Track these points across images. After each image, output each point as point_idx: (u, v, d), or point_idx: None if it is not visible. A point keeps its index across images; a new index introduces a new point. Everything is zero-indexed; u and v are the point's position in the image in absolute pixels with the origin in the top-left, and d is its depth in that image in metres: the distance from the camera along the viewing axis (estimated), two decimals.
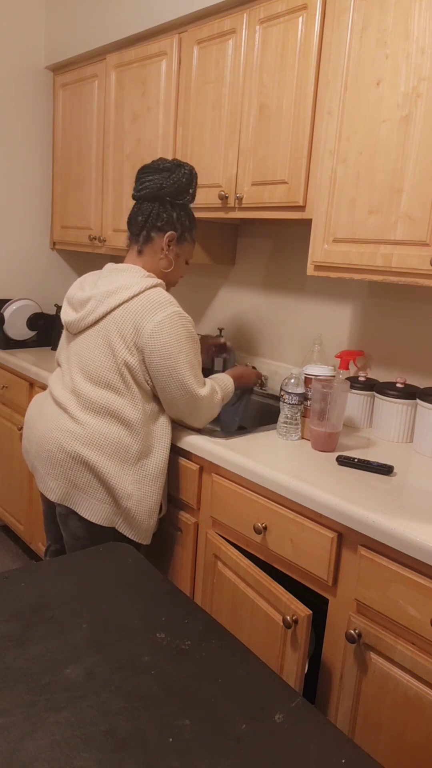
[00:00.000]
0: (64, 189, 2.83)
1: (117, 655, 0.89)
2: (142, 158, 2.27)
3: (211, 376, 1.73)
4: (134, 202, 1.71)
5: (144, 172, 1.66)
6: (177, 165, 1.64)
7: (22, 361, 2.50)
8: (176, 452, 1.72)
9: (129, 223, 1.70)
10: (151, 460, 1.59)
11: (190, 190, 1.66)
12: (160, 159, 1.67)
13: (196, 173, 1.68)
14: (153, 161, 1.67)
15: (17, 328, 2.74)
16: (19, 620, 0.95)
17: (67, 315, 1.68)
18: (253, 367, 2.14)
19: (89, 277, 1.71)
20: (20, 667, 0.85)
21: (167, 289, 1.74)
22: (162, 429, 1.62)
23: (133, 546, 1.62)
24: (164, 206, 1.65)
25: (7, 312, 2.71)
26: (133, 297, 1.54)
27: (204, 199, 2.02)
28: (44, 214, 2.99)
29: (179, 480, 1.71)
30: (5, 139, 2.80)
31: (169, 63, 2.12)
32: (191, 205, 1.73)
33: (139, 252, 1.67)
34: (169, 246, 1.66)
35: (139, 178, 1.67)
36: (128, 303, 1.54)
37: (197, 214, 2.09)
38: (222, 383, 1.72)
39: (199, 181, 2.04)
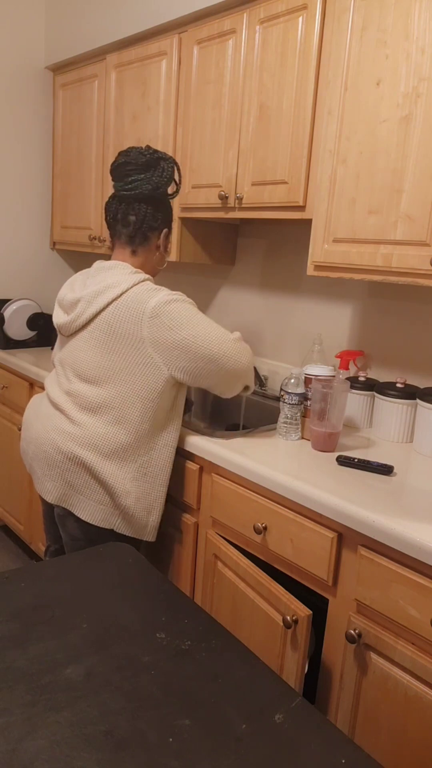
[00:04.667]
0: (64, 189, 2.83)
1: (117, 655, 0.89)
2: None
3: None
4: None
5: (127, 168, 1.58)
6: (159, 158, 1.59)
7: (22, 361, 2.50)
8: (176, 452, 1.72)
9: (116, 221, 1.64)
10: (154, 457, 1.58)
11: (177, 181, 1.65)
12: (137, 151, 1.60)
13: (177, 163, 1.65)
14: (129, 154, 1.58)
15: (17, 328, 2.74)
16: (19, 620, 0.95)
17: (58, 317, 1.66)
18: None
19: (79, 276, 1.69)
20: (20, 667, 0.85)
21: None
22: (169, 428, 1.60)
23: (133, 545, 1.61)
24: (158, 205, 1.63)
25: (7, 312, 2.71)
26: (121, 294, 1.53)
27: (204, 199, 2.02)
28: (44, 214, 2.99)
29: (179, 480, 1.71)
30: (5, 139, 2.80)
31: (169, 63, 2.12)
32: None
33: (134, 252, 1.64)
34: (163, 243, 1.67)
35: (124, 175, 1.59)
36: (118, 301, 1.52)
37: (197, 215, 2.09)
38: None
39: (199, 181, 2.04)
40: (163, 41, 2.13)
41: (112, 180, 1.63)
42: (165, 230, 1.66)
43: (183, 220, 2.17)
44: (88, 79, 2.57)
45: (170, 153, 2.15)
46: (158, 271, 1.72)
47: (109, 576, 1.11)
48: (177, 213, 2.16)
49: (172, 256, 2.21)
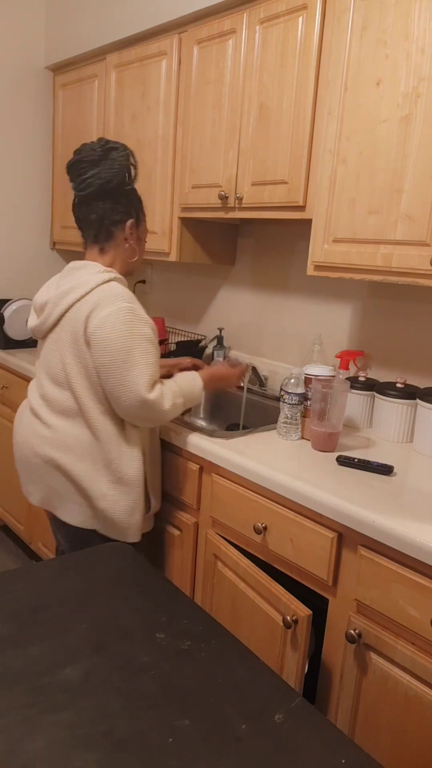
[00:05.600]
0: (64, 189, 2.83)
1: (116, 656, 0.88)
2: (142, 158, 2.27)
3: (177, 375, 1.64)
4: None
5: (79, 166, 1.56)
6: (110, 149, 1.56)
7: (22, 361, 2.50)
8: (176, 452, 1.72)
9: (81, 222, 1.63)
10: (125, 461, 1.55)
11: (132, 170, 1.59)
12: (89, 147, 1.56)
13: (130, 149, 1.59)
14: (81, 151, 1.56)
15: (17, 328, 2.74)
16: (18, 620, 0.95)
17: (31, 320, 1.65)
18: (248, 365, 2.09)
19: (54, 278, 1.67)
20: (19, 668, 0.85)
21: (132, 273, 1.67)
22: (134, 429, 1.57)
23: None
24: (116, 197, 1.58)
25: (7, 312, 2.71)
26: (85, 295, 1.50)
27: (204, 199, 2.02)
28: (44, 214, 2.99)
29: (179, 480, 1.71)
30: (5, 139, 2.80)
31: (169, 63, 2.12)
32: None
33: (102, 250, 1.61)
34: (132, 234, 1.61)
35: (77, 174, 1.57)
36: (81, 301, 1.50)
37: (197, 215, 2.09)
38: (186, 386, 1.61)
39: (199, 181, 2.04)
40: (163, 41, 2.13)
41: (70, 181, 1.60)
42: (129, 221, 1.60)
43: (183, 220, 2.17)
44: (88, 79, 2.57)
45: (170, 153, 2.15)
46: (132, 266, 1.66)
47: (109, 576, 1.11)
48: (177, 213, 2.16)
49: (172, 256, 2.21)
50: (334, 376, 1.67)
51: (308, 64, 1.66)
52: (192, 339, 2.53)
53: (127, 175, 1.58)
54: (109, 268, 1.58)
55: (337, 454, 1.57)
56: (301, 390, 1.65)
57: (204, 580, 1.65)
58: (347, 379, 1.85)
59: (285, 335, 2.26)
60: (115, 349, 1.45)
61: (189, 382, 1.63)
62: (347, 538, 1.30)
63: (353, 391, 1.81)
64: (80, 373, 1.52)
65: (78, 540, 1.61)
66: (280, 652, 1.39)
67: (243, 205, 1.90)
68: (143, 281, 2.87)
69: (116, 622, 0.97)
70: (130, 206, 1.61)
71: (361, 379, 1.85)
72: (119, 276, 1.57)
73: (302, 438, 1.69)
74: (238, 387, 2.20)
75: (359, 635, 1.26)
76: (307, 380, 1.66)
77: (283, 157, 1.75)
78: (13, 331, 2.73)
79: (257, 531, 1.46)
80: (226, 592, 1.56)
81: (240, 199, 1.90)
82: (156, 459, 1.69)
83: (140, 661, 0.87)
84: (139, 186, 2.28)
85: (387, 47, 1.44)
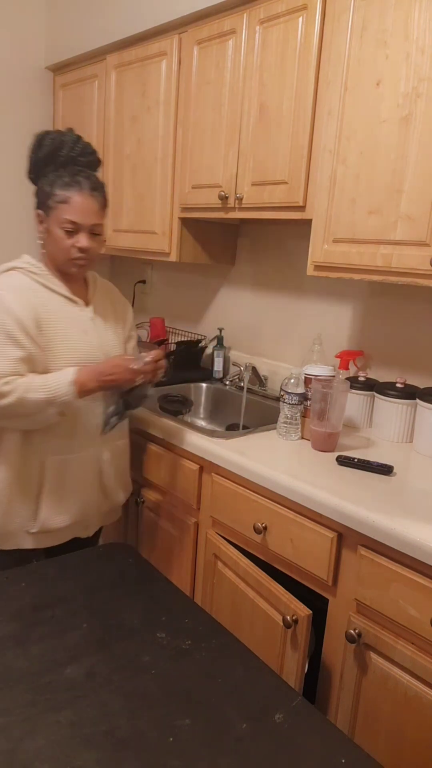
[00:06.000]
0: None
1: (117, 655, 0.89)
2: (142, 159, 2.28)
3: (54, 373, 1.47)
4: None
5: None
6: None
7: None
8: (176, 452, 1.72)
9: None
10: None
11: (34, 155, 1.57)
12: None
13: (38, 137, 1.58)
14: None
15: None
16: (19, 620, 0.96)
17: None
18: (168, 351, 1.94)
19: None
20: (20, 667, 0.85)
21: (70, 272, 1.58)
22: (13, 434, 1.49)
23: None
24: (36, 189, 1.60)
25: None
26: None
27: (204, 199, 2.03)
28: None
29: (179, 480, 1.71)
30: (5, 139, 2.80)
31: (169, 63, 2.12)
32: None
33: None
34: (41, 224, 1.57)
35: None
36: None
37: (197, 215, 2.09)
38: (51, 379, 1.43)
39: (199, 182, 2.04)
40: (163, 41, 2.13)
41: None
42: (35, 213, 1.57)
43: (183, 220, 2.17)
44: (88, 79, 2.57)
45: (170, 153, 2.15)
46: (58, 257, 1.55)
47: (109, 576, 1.11)
48: (177, 213, 2.16)
49: (172, 256, 2.21)
50: (334, 376, 1.67)
51: (308, 65, 1.66)
52: (192, 339, 2.53)
53: (31, 168, 1.59)
54: (30, 261, 1.57)
55: (337, 454, 1.57)
56: (301, 390, 1.65)
57: (204, 580, 1.65)
58: (347, 379, 1.86)
59: (285, 335, 2.26)
60: None
61: (57, 374, 1.45)
62: (347, 538, 1.30)
63: (353, 391, 1.81)
64: None
65: None
66: (280, 652, 1.39)
67: (243, 205, 1.90)
68: (143, 281, 2.87)
69: (117, 621, 0.97)
70: (37, 197, 1.59)
71: (361, 379, 1.85)
72: (29, 266, 1.54)
73: (302, 438, 1.69)
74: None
75: (359, 635, 1.27)
76: (307, 380, 1.67)
77: (283, 158, 1.75)
78: None
79: (257, 531, 1.46)
80: (226, 592, 1.56)
81: (240, 200, 1.90)
82: (69, 474, 1.55)
83: (141, 661, 0.88)
84: (139, 186, 2.28)
85: (387, 47, 1.44)
